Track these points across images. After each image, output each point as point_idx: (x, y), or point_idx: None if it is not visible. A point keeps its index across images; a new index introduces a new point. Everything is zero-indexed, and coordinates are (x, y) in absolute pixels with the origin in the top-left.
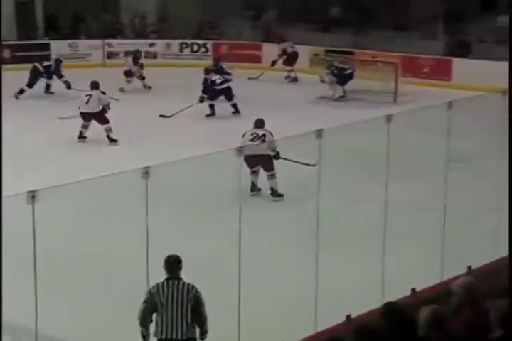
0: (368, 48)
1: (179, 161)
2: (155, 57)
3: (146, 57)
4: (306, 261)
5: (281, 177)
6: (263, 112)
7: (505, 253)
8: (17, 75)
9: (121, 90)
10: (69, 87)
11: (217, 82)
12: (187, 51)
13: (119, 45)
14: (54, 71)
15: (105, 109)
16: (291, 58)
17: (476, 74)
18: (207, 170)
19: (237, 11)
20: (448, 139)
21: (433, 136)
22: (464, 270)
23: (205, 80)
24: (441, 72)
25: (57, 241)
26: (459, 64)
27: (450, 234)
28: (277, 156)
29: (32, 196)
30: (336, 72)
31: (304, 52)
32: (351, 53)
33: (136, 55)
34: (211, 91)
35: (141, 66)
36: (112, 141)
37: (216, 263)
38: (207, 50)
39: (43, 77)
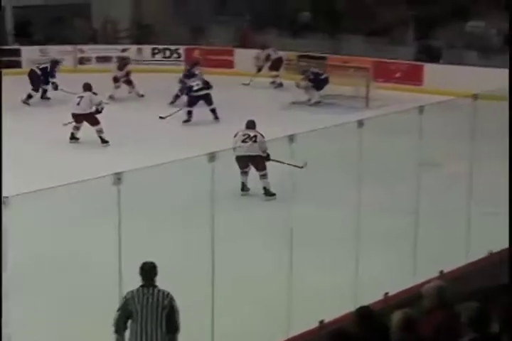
0: (339, 53)
1: (152, 167)
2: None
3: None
4: (280, 265)
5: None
6: (238, 118)
7: (477, 256)
8: None
9: (111, 97)
10: (56, 88)
11: (194, 88)
12: (159, 57)
13: (90, 50)
14: (49, 72)
15: (98, 108)
16: (276, 63)
17: (446, 79)
18: (179, 176)
19: (209, 17)
20: (419, 143)
21: (405, 140)
22: (437, 274)
23: (184, 83)
24: (412, 77)
25: (28, 247)
26: (430, 69)
27: (423, 237)
28: (268, 157)
29: (3, 202)
30: (311, 77)
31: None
32: (324, 58)
33: (121, 62)
34: (189, 98)
35: (128, 73)
36: (104, 142)
37: (191, 269)
38: (179, 56)
39: (40, 80)
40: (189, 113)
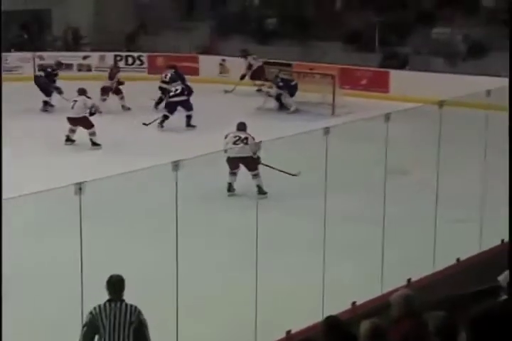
0: (305, 60)
1: (116, 176)
2: (89, 70)
3: (79, 70)
4: (246, 275)
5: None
6: (204, 126)
7: (445, 264)
8: None
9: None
10: (60, 92)
11: (171, 94)
12: (121, 64)
13: (50, 57)
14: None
15: (91, 111)
16: (258, 72)
17: (413, 85)
18: (143, 186)
19: (172, 22)
20: (386, 151)
21: (371, 148)
22: (404, 282)
23: (163, 90)
24: (378, 84)
25: None
26: (396, 76)
27: (390, 245)
28: (258, 160)
29: None
30: (281, 83)
31: (242, 64)
32: (289, 65)
33: (112, 70)
34: (166, 103)
35: (120, 83)
36: (95, 144)
37: (156, 280)
38: (142, 63)
39: (48, 83)
40: (165, 118)
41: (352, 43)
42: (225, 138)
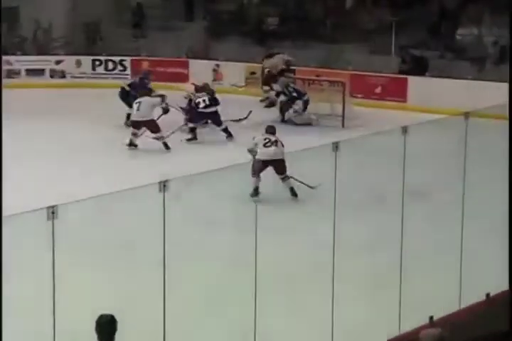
0: (310, 65)
1: (90, 199)
2: (63, 76)
3: (52, 76)
4: (242, 313)
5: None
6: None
7: (472, 300)
8: None
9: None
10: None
11: (201, 105)
12: (100, 69)
13: (19, 62)
14: (139, 86)
15: (164, 107)
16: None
17: (434, 94)
18: (127, 208)
19: (157, 22)
20: (404, 168)
21: (387, 166)
22: (426, 320)
23: (189, 101)
24: (395, 92)
25: None
26: (415, 83)
27: (409, 278)
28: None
29: None
30: (294, 94)
31: (239, 69)
32: (292, 71)
33: (142, 79)
34: (194, 114)
35: (150, 90)
36: (167, 147)
37: (141, 319)
38: (124, 68)
39: (132, 95)
40: (192, 130)
41: (364, 46)
42: (253, 139)
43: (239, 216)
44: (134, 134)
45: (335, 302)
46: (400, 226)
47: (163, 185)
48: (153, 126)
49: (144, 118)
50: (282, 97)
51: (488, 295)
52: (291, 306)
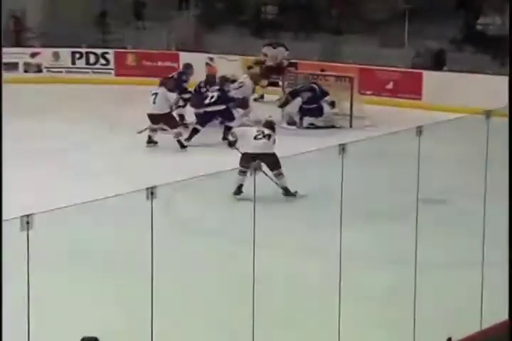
0: (315, 58)
1: (71, 207)
2: (39, 70)
3: (26, 70)
4: (237, 329)
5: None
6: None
7: (493, 321)
8: None
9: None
10: (184, 104)
11: (206, 101)
12: (81, 63)
13: None
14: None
15: (172, 108)
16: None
17: (452, 91)
18: (112, 217)
19: (146, 11)
20: (418, 173)
21: (399, 169)
22: None
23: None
24: (408, 89)
25: None
26: (430, 78)
27: (423, 295)
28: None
29: None
30: (318, 93)
31: (235, 63)
32: (293, 65)
33: (181, 75)
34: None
35: (185, 89)
36: (182, 147)
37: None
38: (107, 62)
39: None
40: (195, 132)
41: (374, 37)
42: (244, 132)
43: (234, 224)
44: (153, 130)
45: (342, 321)
46: (414, 237)
47: (151, 193)
48: (170, 121)
49: (160, 112)
50: (304, 95)
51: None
52: (293, 325)
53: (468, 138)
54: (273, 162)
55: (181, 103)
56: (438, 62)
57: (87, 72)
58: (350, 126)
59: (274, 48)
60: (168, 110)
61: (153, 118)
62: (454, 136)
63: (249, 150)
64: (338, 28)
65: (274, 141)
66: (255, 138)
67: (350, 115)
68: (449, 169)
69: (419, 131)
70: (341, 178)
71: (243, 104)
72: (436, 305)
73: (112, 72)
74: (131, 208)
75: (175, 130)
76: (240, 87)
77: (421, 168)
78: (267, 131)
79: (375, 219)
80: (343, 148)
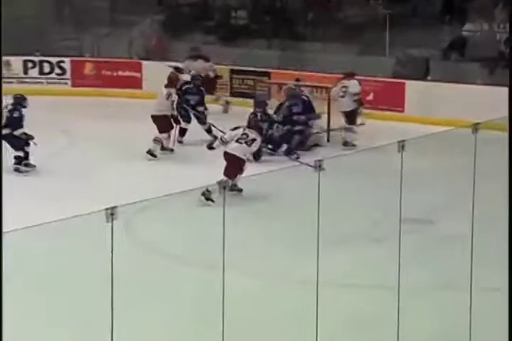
0: (288, 67)
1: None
2: None
3: None
4: None
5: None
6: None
7: None
8: None
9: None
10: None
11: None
12: (34, 72)
13: None
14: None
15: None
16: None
17: (437, 102)
18: (69, 239)
19: (105, 16)
20: (401, 191)
21: (380, 188)
22: None
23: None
24: (390, 100)
25: None
26: (414, 88)
27: (406, 323)
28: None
29: None
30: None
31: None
32: (265, 74)
33: (171, 76)
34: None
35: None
36: (152, 155)
37: None
38: (63, 71)
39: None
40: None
41: (353, 44)
42: (233, 130)
43: (202, 247)
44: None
45: None
46: (397, 260)
47: (111, 214)
48: (161, 124)
49: (158, 113)
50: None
51: None
52: None
53: (454, 153)
54: (239, 167)
55: None
56: (421, 71)
57: (41, 83)
58: (328, 141)
59: (195, 61)
60: (165, 112)
61: (154, 119)
62: (439, 151)
63: (227, 150)
64: (314, 35)
65: (257, 145)
66: (237, 140)
67: (328, 129)
68: (434, 187)
69: (402, 145)
70: (318, 196)
71: None
72: (420, 332)
73: (69, 82)
74: (90, 230)
75: (159, 135)
76: None
77: (403, 186)
78: (251, 136)
79: (355, 241)
80: (319, 164)
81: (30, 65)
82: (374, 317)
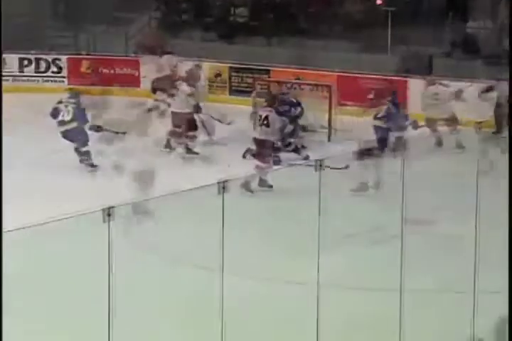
0: (289, 65)
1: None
2: None
3: None
4: None
5: None
6: None
7: None
8: None
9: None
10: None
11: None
12: (30, 70)
13: None
14: None
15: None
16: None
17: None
18: (63, 240)
19: (102, 13)
20: (403, 191)
21: (382, 187)
22: None
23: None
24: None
25: None
26: (416, 86)
27: (409, 325)
28: None
29: None
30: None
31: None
32: (266, 72)
33: (190, 74)
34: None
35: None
36: (192, 152)
37: None
38: (59, 69)
39: None
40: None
41: (355, 41)
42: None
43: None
44: (173, 133)
45: None
46: (399, 261)
47: (108, 214)
48: (189, 123)
49: (181, 111)
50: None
51: None
52: None
53: (458, 152)
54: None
55: None
56: (424, 69)
57: (37, 81)
58: (329, 140)
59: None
60: (188, 110)
61: (175, 118)
62: (444, 150)
63: (256, 135)
64: (314, 32)
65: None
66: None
67: (329, 128)
68: (437, 186)
69: (404, 145)
70: (319, 196)
71: None
72: (422, 335)
73: (65, 80)
74: (87, 231)
75: (189, 133)
76: None
77: (405, 185)
78: (264, 113)
79: (357, 242)
80: (320, 164)
81: (25, 62)
82: (375, 319)
